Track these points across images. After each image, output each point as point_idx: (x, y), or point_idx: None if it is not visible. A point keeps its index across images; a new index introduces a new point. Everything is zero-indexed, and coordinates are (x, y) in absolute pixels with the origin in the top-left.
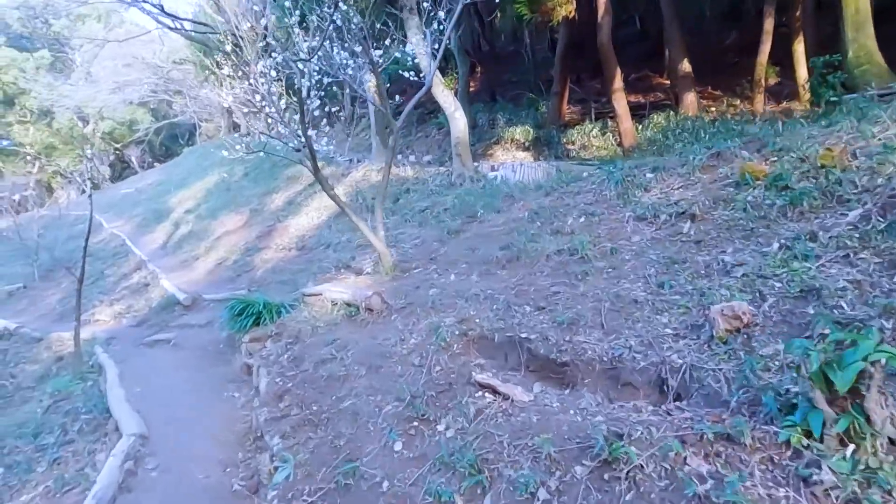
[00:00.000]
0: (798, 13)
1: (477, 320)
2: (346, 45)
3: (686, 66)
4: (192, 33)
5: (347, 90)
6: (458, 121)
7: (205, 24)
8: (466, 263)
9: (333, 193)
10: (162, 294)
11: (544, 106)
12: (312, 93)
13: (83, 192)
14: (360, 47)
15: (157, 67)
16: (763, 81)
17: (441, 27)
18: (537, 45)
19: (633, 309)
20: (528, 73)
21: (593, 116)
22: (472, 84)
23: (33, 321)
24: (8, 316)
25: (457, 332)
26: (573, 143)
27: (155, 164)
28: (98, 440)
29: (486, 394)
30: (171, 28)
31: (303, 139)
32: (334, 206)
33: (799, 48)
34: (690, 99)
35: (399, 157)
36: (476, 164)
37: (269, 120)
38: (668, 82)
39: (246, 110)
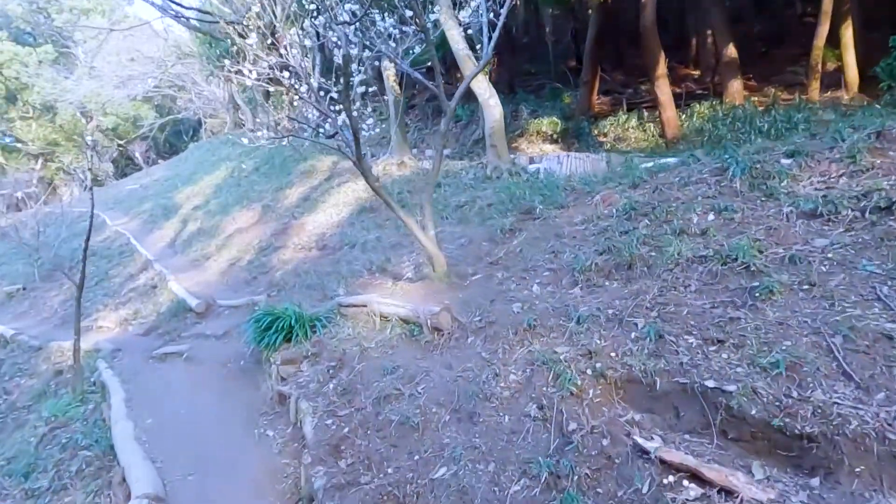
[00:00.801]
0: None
1: (613, 354)
2: (395, 10)
3: (732, 51)
4: (198, 24)
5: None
6: (493, 109)
7: (210, 14)
8: (550, 270)
9: (378, 185)
10: (171, 298)
11: (569, 97)
12: (354, 66)
13: (86, 188)
14: (412, 12)
15: (161, 62)
16: (819, 67)
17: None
18: (558, 34)
19: (888, 348)
20: (546, 63)
21: (625, 107)
22: (490, 75)
23: (34, 326)
24: (7, 320)
25: (588, 371)
26: (605, 134)
27: (159, 160)
28: (100, 491)
29: (676, 477)
30: (176, 17)
31: (340, 121)
32: (354, 202)
33: (847, 32)
34: (736, 87)
35: (414, 150)
36: (512, 156)
37: (296, 102)
38: (696, 73)
39: (272, 89)
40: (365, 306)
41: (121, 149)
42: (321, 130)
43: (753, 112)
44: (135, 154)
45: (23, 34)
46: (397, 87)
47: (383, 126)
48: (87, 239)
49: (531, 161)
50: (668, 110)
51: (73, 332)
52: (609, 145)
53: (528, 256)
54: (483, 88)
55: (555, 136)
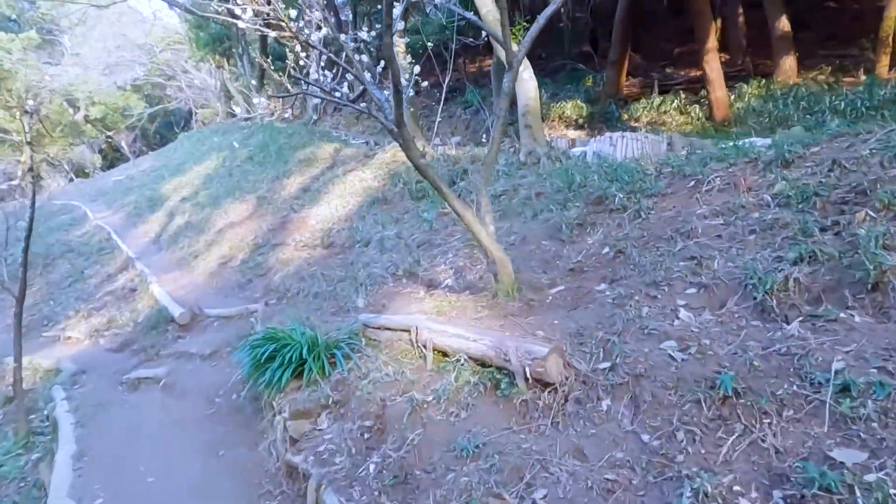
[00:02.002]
0: None
1: None
2: None
3: (784, 24)
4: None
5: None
6: (528, 83)
7: None
8: (696, 286)
9: (424, 163)
10: (151, 304)
11: (590, 79)
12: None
13: (71, 179)
14: None
15: (149, 48)
16: (890, 41)
17: None
18: (575, 11)
19: None
20: (560, 44)
21: (657, 88)
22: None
23: None
24: None
25: None
26: (637, 119)
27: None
28: None
29: None
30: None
31: (370, 76)
32: (363, 192)
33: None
34: (790, 64)
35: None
36: (548, 139)
37: (307, 54)
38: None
39: (274, 33)
40: (408, 331)
41: (109, 140)
42: (338, 94)
43: (820, 90)
44: (121, 144)
45: (7, 21)
46: (407, 62)
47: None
48: (28, 238)
49: (572, 144)
50: (719, 89)
51: (14, 357)
52: (644, 130)
53: (641, 263)
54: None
55: (580, 120)
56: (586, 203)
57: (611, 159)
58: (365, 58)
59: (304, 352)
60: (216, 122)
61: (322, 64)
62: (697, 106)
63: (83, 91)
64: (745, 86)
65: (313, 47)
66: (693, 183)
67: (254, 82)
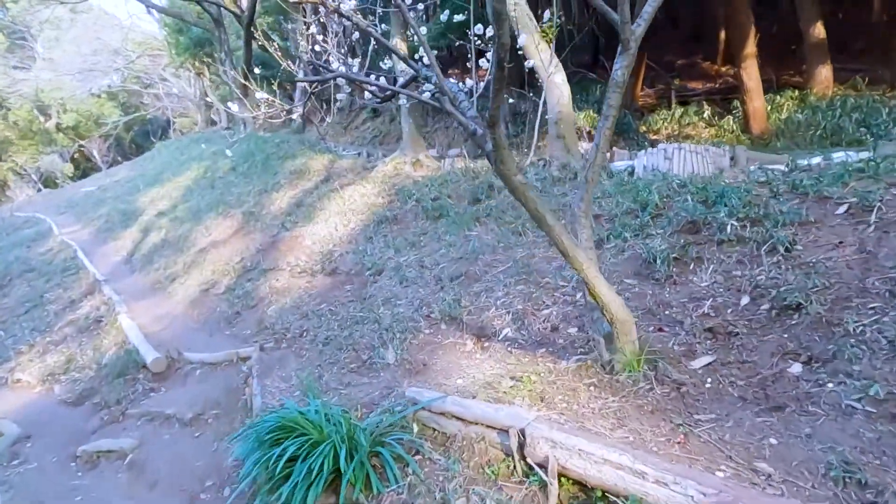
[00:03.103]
0: None
1: None
2: None
3: (819, 30)
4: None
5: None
6: (561, 87)
7: None
8: None
9: (520, 181)
10: (119, 342)
11: (600, 90)
12: None
13: (39, 190)
14: None
15: (125, 52)
16: None
17: None
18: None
19: None
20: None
21: (674, 99)
22: None
23: None
24: None
25: None
26: (656, 131)
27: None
28: None
29: None
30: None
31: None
32: (366, 210)
33: None
34: (825, 74)
35: (410, 148)
36: (582, 151)
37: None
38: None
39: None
40: (498, 429)
41: (81, 148)
42: (379, 94)
43: (873, 102)
44: (94, 153)
45: None
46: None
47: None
48: None
49: (611, 157)
50: (757, 99)
51: None
52: (666, 142)
53: (854, 331)
54: (545, 60)
55: (594, 132)
56: (674, 230)
57: (672, 175)
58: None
59: (339, 450)
60: (195, 131)
61: (344, 49)
62: (730, 117)
63: (55, 97)
64: (779, 97)
65: (346, 18)
66: (845, 208)
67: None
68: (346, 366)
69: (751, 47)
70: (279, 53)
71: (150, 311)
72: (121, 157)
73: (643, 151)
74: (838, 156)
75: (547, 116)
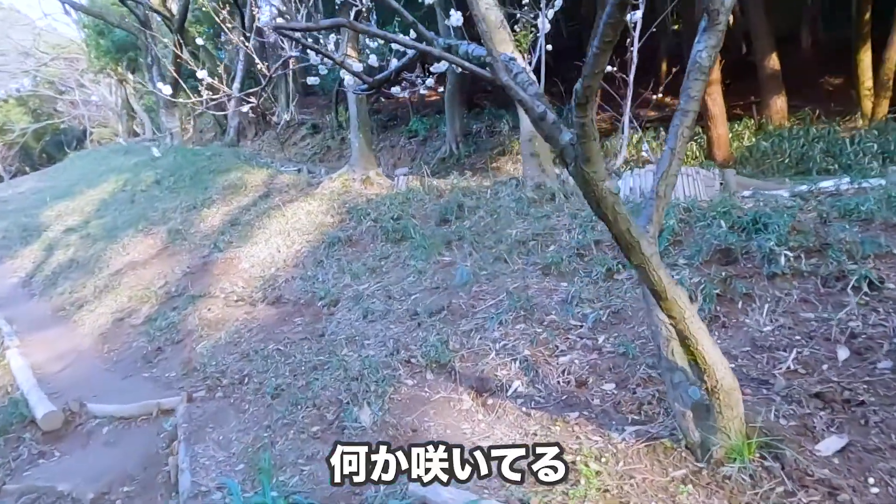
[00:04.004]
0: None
1: None
2: None
3: (774, 62)
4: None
5: (291, 80)
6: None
7: None
8: None
9: (615, 201)
10: (6, 384)
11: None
12: None
13: None
14: None
15: (39, 56)
16: (890, 83)
17: None
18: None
19: None
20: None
21: (625, 127)
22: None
23: None
24: None
25: None
26: (614, 155)
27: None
28: None
29: None
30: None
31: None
32: (314, 229)
33: (865, 57)
34: (780, 104)
35: (360, 164)
36: (557, 171)
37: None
38: (668, 99)
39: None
40: None
41: None
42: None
43: (824, 135)
44: None
45: None
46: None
47: (331, 135)
48: None
49: None
50: (721, 126)
51: None
52: (622, 168)
53: None
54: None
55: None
56: (703, 260)
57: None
58: None
59: None
60: (116, 142)
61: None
62: (693, 143)
63: None
64: (737, 125)
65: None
66: None
67: (164, 98)
68: (305, 428)
69: (716, 73)
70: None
71: (49, 346)
72: (28, 167)
73: (630, 172)
74: (828, 184)
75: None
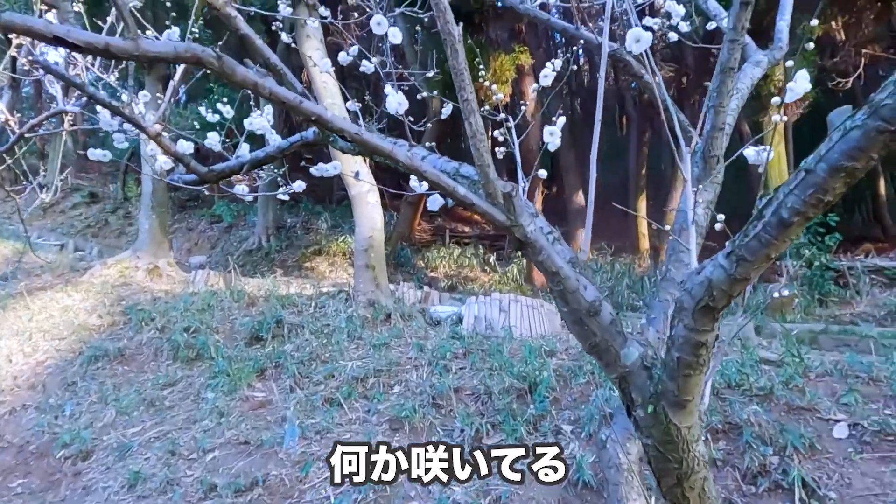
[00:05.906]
0: (643, 170)
1: None
2: None
3: (580, 197)
4: None
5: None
6: (373, 209)
7: None
8: None
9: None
10: None
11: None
12: None
13: None
14: None
15: None
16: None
17: None
18: None
19: None
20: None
21: (448, 237)
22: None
23: None
24: None
25: None
26: (434, 268)
27: None
28: None
29: None
30: None
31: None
32: (70, 333)
33: (642, 204)
34: (584, 238)
35: (148, 250)
36: (392, 287)
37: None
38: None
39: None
40: None
41: None
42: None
43: (642, 270)
44: None
45: None
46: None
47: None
48: None
49: (435, 301)
50: None
51: None
52: (444, 283)
53: None
54: (362, 173)
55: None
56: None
57: (511, 331)
58: None
59: None
60: None
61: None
62: (514, 266)
63: None
64: None
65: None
66: None
67: None
68: None
69: (538, 203)
70: None
71: None
72: None
73: (473, 298)
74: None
75: (354, 244)
